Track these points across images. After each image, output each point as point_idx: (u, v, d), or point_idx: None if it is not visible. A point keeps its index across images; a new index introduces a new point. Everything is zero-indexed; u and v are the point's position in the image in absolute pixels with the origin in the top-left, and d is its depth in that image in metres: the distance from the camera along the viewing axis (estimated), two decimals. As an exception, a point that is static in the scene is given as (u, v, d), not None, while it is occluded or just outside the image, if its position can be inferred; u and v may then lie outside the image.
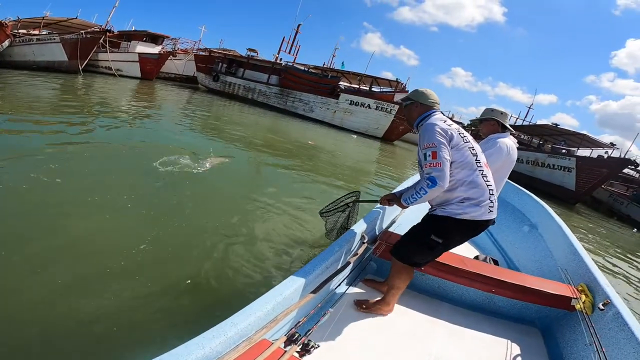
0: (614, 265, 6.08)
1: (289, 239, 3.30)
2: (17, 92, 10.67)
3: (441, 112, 1.70)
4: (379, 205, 2.27)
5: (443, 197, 1.57)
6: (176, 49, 26.70)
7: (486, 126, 2.35)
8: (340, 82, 21.92)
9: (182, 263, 2.58)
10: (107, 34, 20.34)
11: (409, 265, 1.75)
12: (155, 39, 24.31)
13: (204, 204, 3.79)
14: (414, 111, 1.69)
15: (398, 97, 19.95)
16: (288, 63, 23.84)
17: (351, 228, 2.05)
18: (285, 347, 1.25)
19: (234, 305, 1.25)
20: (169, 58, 24.49)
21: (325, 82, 21.58)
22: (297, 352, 1.28)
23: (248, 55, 25.34)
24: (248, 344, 1.14)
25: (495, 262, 2.53)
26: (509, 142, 2.24)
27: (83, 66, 18.84)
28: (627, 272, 5.73)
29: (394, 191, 2.00)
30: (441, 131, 1.49)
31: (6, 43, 17.70)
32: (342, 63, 26.36)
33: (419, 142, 1.59)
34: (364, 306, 1.84)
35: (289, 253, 3.01)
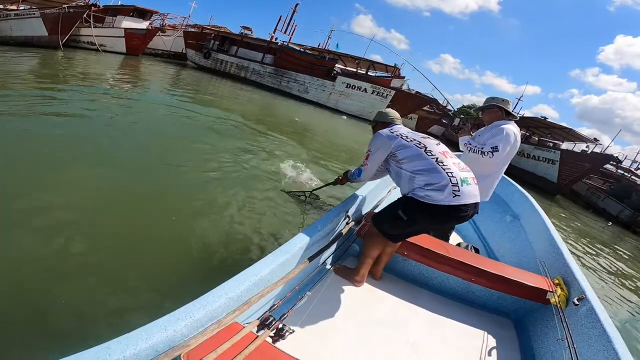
0: (586, 255, 6.36)
1: (259, 214, 3.25)
2: None
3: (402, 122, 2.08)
4: (367, 185, 2.44)
5: (408, 184, 1.76)
6: (164, 24, 25.93)
7: (489, 114, 2.40)
8: (336, 65, 21.60)
9: (149, 238, 2.53)
10: (92, 8, 19.66)
11: (381, 234, 1.88)
12: (143, 14, 23.53)
13: (160, 169, 3.86)
14: (378, 129, 2.00)
15: (395, 82, 19.77)
16: (284, 43, 23.34)
17: (335, 207, 2.05)
18: (257, 331, 1.21)
19: (206, 286, 1.20)
20: (157, 34, 23.81)
21: (322, 64, 21.28)
22: (270, 337, 1.25)
23: (242, 33, 24.75)
24: (217, 326, 1.10)
25: (477, 251, 2.58)
26: (515, 129, 2.28)
27: (64, 41, 18.27)
28: (597, 264, 5.99)
29: (350, 170, 2.27)
30: (379, 139, 1.87)
31: (-19, 17, 17.06)
32: (337, 45, 26.04)
33: None
34: (341, 272, 2.00)
35: (262, 232, 2.96)
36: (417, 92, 20.58)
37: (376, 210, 2.33)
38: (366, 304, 1.84)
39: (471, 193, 1.67)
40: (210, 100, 11.90)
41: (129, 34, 21.42)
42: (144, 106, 7.95)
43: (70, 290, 1.88)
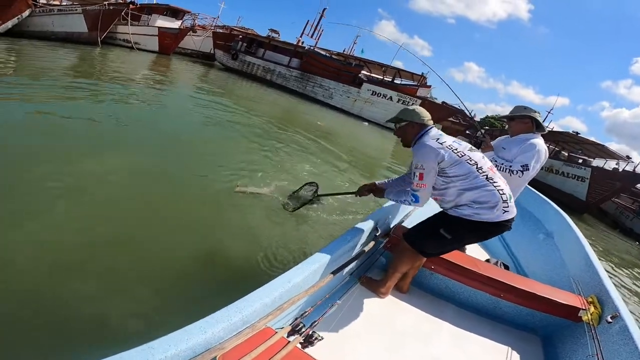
0: (614, 275, 6.35)
1: (285, 219, 3.37)
2: (33, 61, 11.13)
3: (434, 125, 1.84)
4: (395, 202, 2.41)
5: (454, 201, 1.70)
6: (195, 24, 26.85)
7: (518, 125, 2.24)
8: (362, 71, 21.72)
9: (181, 245, 2.65)
10: (130, 6, 20.61)
11: (416, 251, 1.86)
12: (176, 13, 24.50)
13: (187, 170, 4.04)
14: (408, 132, 1.81)
15: (421, 91, 19.69)
16: (310, 47, 23.70)
17: (364, 219, 2.10)
18: (288, 337, 1.26)
19: (240, 291, 1.28)
20: (188, 34, 24.69)
21: (348, 70, 21.44)
22: (300, 343, 1.29)
23: (269, 35, 25.30)
24: (251, 331, 1.16)
25: (506, 267, 2.59)
26: (544, 145, 2.19)
27: (102, 38, 19.25)
28: (626, 284, 5.99)
29: (378, 183, 2.12)
30: (432, 154, 1.66)
31: (26, 13, 18.13)
32: (362, 50, 26.08)
33: (413, 158, 1.76)
34: (366, 283, 2.04)
35: (291, 239, 3.08)
36: (443, 102, 20.43)
37: (405, 224, 2.39)
38: (392, 315, 1.90)
39: (514, 207, 1.71)
40: (237, 100, 12.29)
41: (162, 32, 22.32)
42: (173, 104, 8.41)
43: (106, 292, 2.01)
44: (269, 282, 1.33)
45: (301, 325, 1.34)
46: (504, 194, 1.65)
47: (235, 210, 3.38)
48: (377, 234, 2.11)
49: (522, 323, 2.07)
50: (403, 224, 2.39)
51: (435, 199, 1.81)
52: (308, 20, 24.89)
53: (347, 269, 1.79)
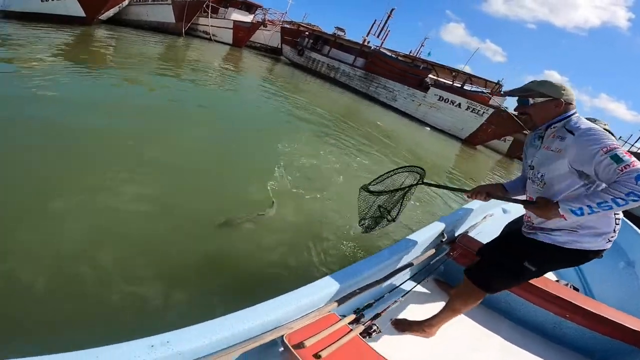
0: None
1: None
2: (131, 47, 12.73)
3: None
4: (467, 203, 2.25)
5: (555, 221, 1.36)
6: (265, 19, 27.99)
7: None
8: (429, 75, 21.11)
9: (257, 232, 2.80)
10: (211, -1, 22.04)
11: (481, 290, 1.60)
12: (249, 7, 25.78)
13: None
14: (550, 109, 1.38)
15: (494, 100, 18.64)
16: (376, 47, 23.56)
17: (433, 223, 2.03)
18: (350, 325, 1.32)
19: (305, 279, 1.39)
20: (259, 28, 25.82)
21: (414, 73, 20.94)
22: (360, 332, 1.32)
23: (335, 33, 25.57)
24: (318, 314, 1.24)
25: (576, 290, 2.48)
26: None
27: (186, 29, 20.83)
28: None
29: (504, 184, 1.68)
30: (608, 135, 1.24)
31: (126, 2, 20.23)
32: (429, 53, 25.32)
33: (582, 145, 1.24)
34: (401, 327, 1.74)
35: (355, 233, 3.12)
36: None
37: (472, 234, 2.29)
38: (448, 322, 1.87)
39: None
40: (301, 94, 12.70)
41: (237, 26, 23.62)
42: (244, 93, 9.11)
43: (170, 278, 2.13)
44: (338, 272, 1.40)
45: (363, 316, 1.41)
46: (618, 221, 1.36)
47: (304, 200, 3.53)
48: (443, 240, 2.08)
49: (581, 346, 1.99)
50: (469, 234, 2.33)
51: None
52: (375, 20, 24.85)
53: (410, 269, 1.84)
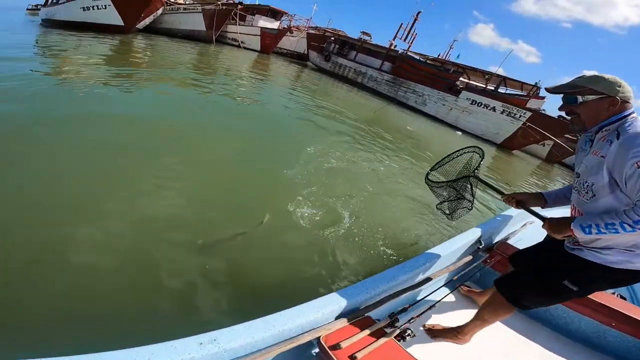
0: None
1: (396, 216, 3.49)
2: (166, 54, 13.26)
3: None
4: (506, 210, 2.18)
5: (606, 238, 1.20)
6: (291, 25, 28.30)
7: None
8: (460, 78, 20.66)
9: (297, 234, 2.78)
10: (238, 6, 22.47)
11: (513, 305, 1.48)
12: (275, 14, 26.17)
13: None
14: (603, 109, 1.20)
15: (532, 103, 17.99)
16: (403, 50, 23.31)
17: (470, 230, 2.04)
18: (385, 328, 1.34)
19: (343, 282, 1.44)
20: (285, 34, 26.09)
21: (444, 77, 20.48)
22: (395, 336, 1.34)
23: (361, 38, 25.51)
24: (354, 317, 1.28)
25: (623, 299, 2.32)
26: None
27: (216, 36, 21.28)
28: None
29: (545, 193, 1.57)
30: None
31: (160, 11, 20.92)
32: (458, 55, 24.82)
33: (622, 150, 1.10)
34: (435, 333, 1.72)
35: (399, 238, 3.13)
36: (559, 116, 18.38)
37: (510, 242, 2.23)
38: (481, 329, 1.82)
39: None
40: (329, 99, 12.69)
41: (264, 32, 24.00)
42: (273, 99, 9.23)
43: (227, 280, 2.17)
44: (373, 276, 1.44)
45: (397, 320, 1.41)
46: None
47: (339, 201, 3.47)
48: (480, 247, 2.07)
49: (625, 354, 1.94)
50: (508, 241, 2.33)
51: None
52: (401, 24, 24.51)
53: (446, 275, 1.87)
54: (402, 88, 21.43)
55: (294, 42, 28.33)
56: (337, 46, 25.18)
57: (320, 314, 1.18)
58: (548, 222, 1.31)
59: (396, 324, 1.39)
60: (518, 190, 2.61)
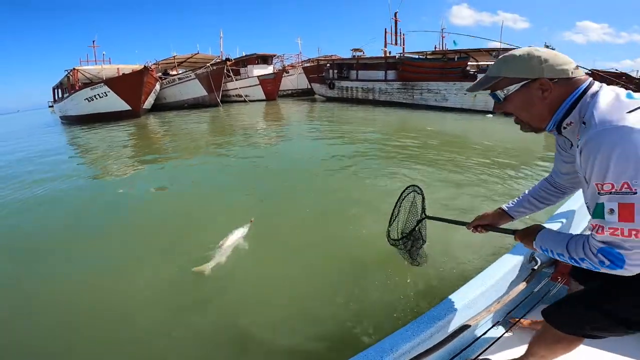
0: None
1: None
2: (181, 126, 13.61)
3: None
4: (562, 206, 1.88)
5: None
6: (284, 65, 28.82)
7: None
8: (468, 63, 20.29)
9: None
10: (227, 62, 22.92)
11: (575, 336, 1.16)
12: (265, 59, 26.74)
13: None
14: (536, 99, 0.94)
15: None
16: (399, 54, 23.22)
17: (514, 247, 1.71)
18: None
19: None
20: (283, 75, 26.46)
21: (452, 66, 20.20)
22: None
23: (354, 56, 25.63)
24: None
25: None
26: None
27: (220, 97, 21.53)
28: None
29: (507, 209, 1.38)
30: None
31: (157, 87, 21.40)
32: (454, 42, 24.68)
33: (586, 165, 0.84)
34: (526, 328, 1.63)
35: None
36: (593, 70, 17.61)
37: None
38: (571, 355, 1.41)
39: None
40: (347, 124, 12.49)
41: (262, 80, 24.37)
42: (297, 142, 9.26)
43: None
44: (443, 301, 1.34)
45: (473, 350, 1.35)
46: None
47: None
48: (537, 265, 1.65)
49: None
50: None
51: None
52: (385, 29, 24.63)
53: (513, 300, 1.56)
54: (416, 91, 21.13)
55: (294, 80, 28.76)
56: (335, 71, 25.28)
57: (418, 339, 1.16)
58: (517, 235, 1.21)
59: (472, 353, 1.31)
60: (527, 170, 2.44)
